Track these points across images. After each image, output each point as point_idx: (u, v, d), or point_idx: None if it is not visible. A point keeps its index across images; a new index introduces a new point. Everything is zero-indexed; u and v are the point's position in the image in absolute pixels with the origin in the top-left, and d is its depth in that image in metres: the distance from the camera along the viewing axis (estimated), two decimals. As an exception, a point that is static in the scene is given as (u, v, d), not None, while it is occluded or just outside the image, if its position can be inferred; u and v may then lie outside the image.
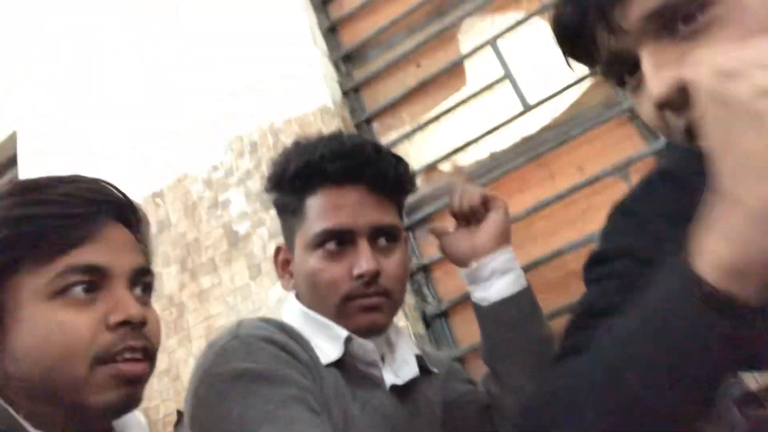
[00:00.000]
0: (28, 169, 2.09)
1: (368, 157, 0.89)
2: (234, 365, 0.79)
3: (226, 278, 1.55)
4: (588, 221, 1.18)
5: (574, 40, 0.58)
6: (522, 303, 0.89)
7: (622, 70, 0.56)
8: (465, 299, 1.27)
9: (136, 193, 1.73)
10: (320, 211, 0.88)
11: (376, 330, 0.90)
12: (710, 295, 0.42)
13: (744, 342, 0.43)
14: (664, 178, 0.67)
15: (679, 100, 0.50)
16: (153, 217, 1.69)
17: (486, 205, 0.94)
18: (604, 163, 1.20)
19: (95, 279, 0.69)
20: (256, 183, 1.60)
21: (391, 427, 0.86)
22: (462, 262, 0.93)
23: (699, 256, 0.43)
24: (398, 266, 0.89)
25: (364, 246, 0.86)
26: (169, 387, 1.47)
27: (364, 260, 0.85)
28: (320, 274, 0.87)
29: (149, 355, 0.72)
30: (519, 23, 1.36)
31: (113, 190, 0.78)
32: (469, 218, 0.94)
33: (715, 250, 0.42)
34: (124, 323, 0.69)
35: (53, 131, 2.06)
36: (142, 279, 0.75)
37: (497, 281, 0.90)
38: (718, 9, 0.49)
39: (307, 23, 1.64)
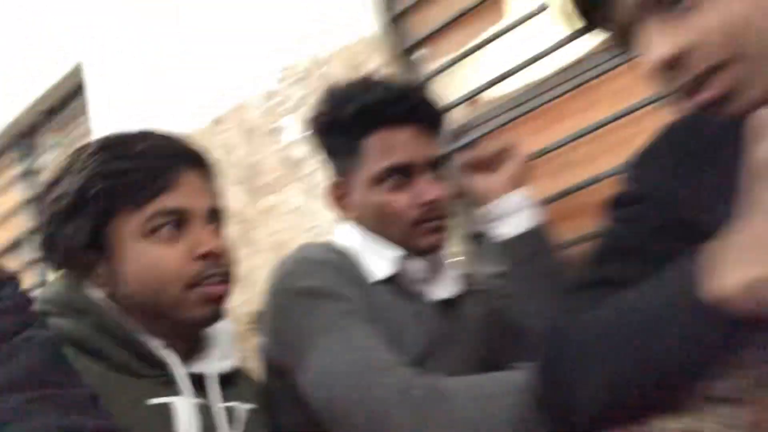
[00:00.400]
0: (96, 98, 2.23)
1: (419, 99, 1.04)
2: (298, 284, 0.95)
3: (288, 197, 1.69)
4: (627, 150, 1.24)
5: (590, 12, 0.68)
6: (532, 240, 1.01)
7: (630, 39, 0.66)
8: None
9: (200, 120, 1.87)
10: (380, 150, 1.01)
11: (440, 248, 1.04)
12: (719, 317, 0.50)
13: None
14: (683, 127, 0.75)
15: (675, 64, 0.60)
16: (218, 140, 1.82)
17: (503, 154, 1.05)
18: (646, 93, 1.21)
19: (179, 219, 0.86)
20: (309, 111, 1.70)
21: (436, 338, 1.00)
22: (477, 203, 1.05)
23: (716, 279, 0.51)
24: (448, 191, 1.05)
25: (426, 176, 1.00)
26: (243, 291, 1.64)
27: (430, 189, 1.00)
28: (388, 206, 1.01)
29: (228, 278, 0.90)
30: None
31: (186, 142, 0.94)
32: (487, 166, 1.05)
33: (732, 278, 0.49)
34: (207, 255, 0.86)
35: (118, 60, 2.18)
36: (216, 216, 0.91)
37: (508, 221, 1.01)
38: None
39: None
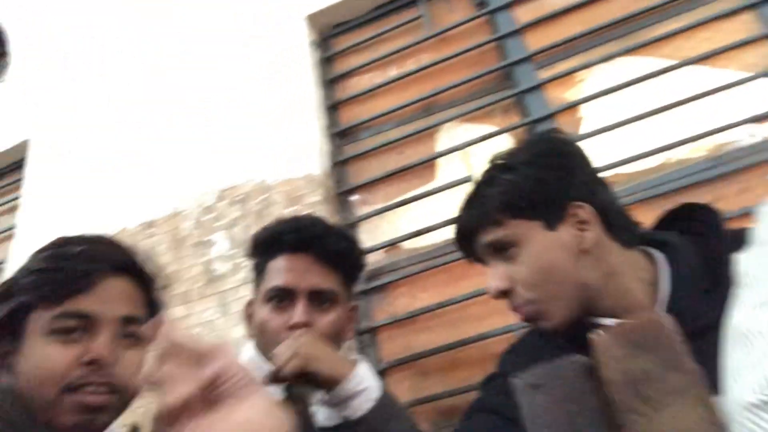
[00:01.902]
0: (33, 177, 2.36)
1: (317, 233, 1.16)
2: None
3: (197, 311, 1.80)
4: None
5: (466, 248, 1.04)
6: (381, 412, 1.05)
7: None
8: (401, 362, 1.53)
9: (131, 220, 2.01)
10: (274, 272, 1.14)
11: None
12: None
13: None
14: (518, 346, 1.08)
15: (504, 295, 0.95)
16: (145, 243, 1.95)
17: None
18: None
19: (83, 323, 0.91)
20: (241, 231, 1.87)
21: None
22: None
23: None
24: (329, 324, 1.12)
25: (301, 304, 1.11)
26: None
27: (297, 315, 1.10)
28: (267, 324, 1.12)
29: (114, 390, 0.91)
30: (489, 136, 1.67)
31: (125, 251, 1.01)
32: None
33: None
34: (91, 362, 0.89)
35: (63, 146, 2.34)
36: (129, 326, 0.95)
37: (352, 403, 1.04)
38: (516, 248, 0.94)
39: (313, 97, 1.95)
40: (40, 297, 0.91)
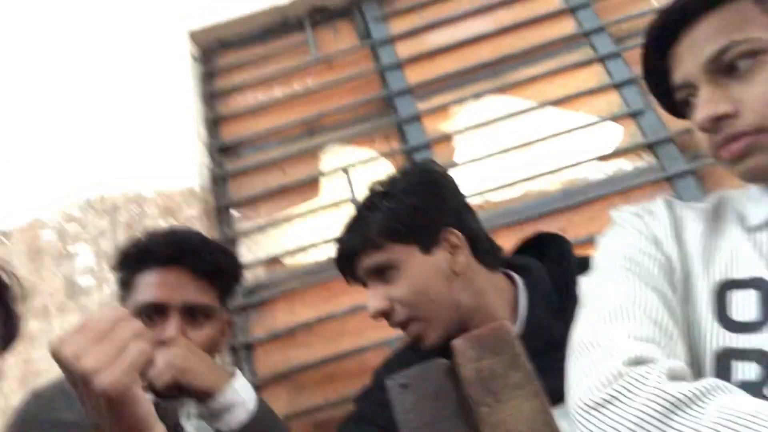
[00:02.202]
0: None
1: (190, 246, 1.15)
2: (54, 415, 0.99)
3: (56, 326, 1.70)
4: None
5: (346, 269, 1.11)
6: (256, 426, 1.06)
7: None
8: (278, 377, 1.55)
9: (-16, 228, 1.86)
10: (144, 286, 1.11)
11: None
12: None
13: None
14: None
15: (383, 315, 1.05)
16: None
17: None
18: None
19: None
20: (109, 244, 1.80)
21: None
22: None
23: None
24: (203, 339, 1.11)
25: (173, 319, 1.08)
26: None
27: (168, 330, 1.07)
28: None
29: None
30: (370, 159, 1.76)
31: None
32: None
33: None
34: None
35: None
36: None
37: (227, 415, 1.04)
38: (395, 270, 1.04)
39: (193, 111, 1.93)
40: None
